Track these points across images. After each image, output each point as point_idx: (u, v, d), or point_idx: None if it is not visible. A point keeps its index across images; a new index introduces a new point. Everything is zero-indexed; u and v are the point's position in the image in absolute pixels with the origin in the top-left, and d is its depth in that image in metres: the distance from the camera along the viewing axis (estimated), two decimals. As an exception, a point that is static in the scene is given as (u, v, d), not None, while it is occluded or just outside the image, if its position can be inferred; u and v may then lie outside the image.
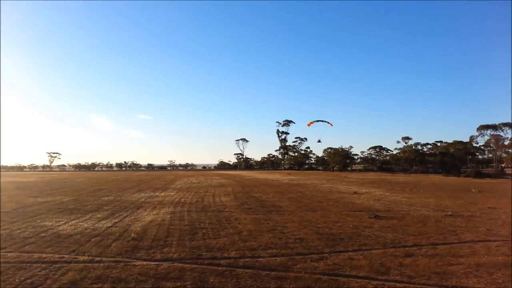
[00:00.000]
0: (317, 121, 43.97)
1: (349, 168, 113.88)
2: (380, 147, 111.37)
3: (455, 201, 21.91)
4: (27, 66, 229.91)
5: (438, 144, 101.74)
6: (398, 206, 19.43)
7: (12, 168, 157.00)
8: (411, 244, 10.59)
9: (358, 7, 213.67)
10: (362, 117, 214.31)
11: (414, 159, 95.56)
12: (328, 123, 45.63)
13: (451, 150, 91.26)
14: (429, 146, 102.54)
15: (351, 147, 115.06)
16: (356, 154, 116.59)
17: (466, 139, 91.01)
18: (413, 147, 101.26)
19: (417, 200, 22.80)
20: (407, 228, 13.12)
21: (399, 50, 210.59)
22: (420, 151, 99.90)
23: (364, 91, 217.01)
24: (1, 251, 9.86)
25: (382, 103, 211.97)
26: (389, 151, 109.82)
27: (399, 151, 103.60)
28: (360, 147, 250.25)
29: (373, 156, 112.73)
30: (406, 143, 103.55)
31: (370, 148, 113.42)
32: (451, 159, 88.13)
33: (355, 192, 28.17)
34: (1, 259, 8.99)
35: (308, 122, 44.82)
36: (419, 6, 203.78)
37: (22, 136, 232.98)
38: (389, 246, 10.27)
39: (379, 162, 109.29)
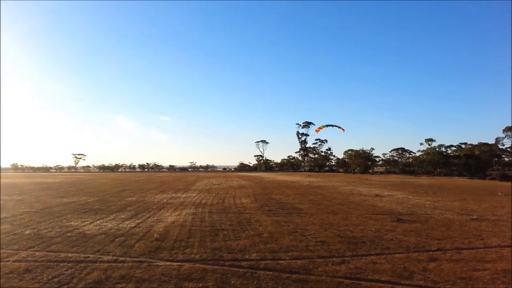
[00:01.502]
0: (327, 125, 42.18)
1: (370, 170, 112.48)
2: (403, 149, 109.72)
3: (481, 205, 21.34)
4: (53, 69, 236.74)
5: (463, 146, 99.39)
6: (422, 210, 19.06)
7: (38, 169, 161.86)
8: (435, 248, 10.38)
9: (383, 8, 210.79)
10: (384, 118, 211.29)
11: (438, 161, 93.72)
12: (340, 128, 43.89)
13: (476, 152, 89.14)
14: (453, 148, 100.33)
15: (372, 149, 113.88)
16: (378, 156, 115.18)
17: (491, 141, 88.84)
18: (437, 149, 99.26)
19: (441, 203, 22.31)
20: (430, 232, 12.87)
21: (422, 51, 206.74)
22: (444, 153, 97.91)
23: (386, 92, 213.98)
24: (30, 250, 10.19)
25: (405, 104, 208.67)
26: (411, 153, 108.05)
27: (422, 153, 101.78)
28: (382, 149, 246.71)
29: (395, 158, 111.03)
30: (429, 145, 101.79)
31: (392, 150, 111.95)
32: (476, 161, 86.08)
33: (376, 195, 27.77)
34: (30, 258, 9.30)
35: (317, 128, 43.30)
36: (447, 5, 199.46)
37: (49, 138, 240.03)
38: (413, 250, 10.10)
39: (402, 164, 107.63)
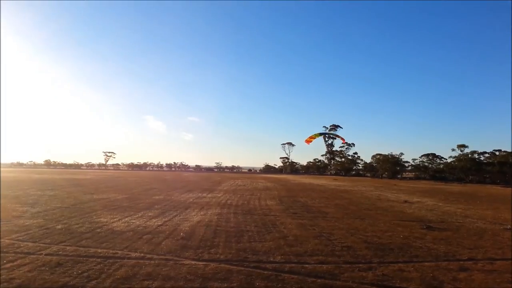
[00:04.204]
0: (321, 134, 36.90)
1: (399, 176, 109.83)
2: (433, 155, 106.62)
3: (516, 215, 20.48)
4: (86, 72, 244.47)
5: (497, 153, 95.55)
6: (452, 217, 18.49)
7: (70, 166, 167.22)
8: (466, 258, 10.04)
9: (410, 15, 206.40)
10: (415, 123, 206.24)
11: (470, 168, 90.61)
12: (339, 137, 38.92)
13: (511, 160, 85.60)
14: (486, 155, 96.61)
15: (401, 153, 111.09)
16: (407, 162, 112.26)
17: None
18: (469, 155, 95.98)
19: (473, 211, 21.56)
20: (461, 240, 12.45)
21: (453, 55, 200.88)
22: (477, 160, 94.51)
23: (418, 96, 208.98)
24: (61, 244, 10.53)
25: (437, 109, 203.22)
26: (443, 159, 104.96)
27: (454, 159, 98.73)
28: (411, 154, 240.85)
29: (426, 164, 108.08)
30: (461, 151, 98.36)
31: (422, 156, 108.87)
32: (511, 169, 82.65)
33: (405, 201, 27.10)
34: (61, 252, 9.60)
35: (307, 138, 37.29)
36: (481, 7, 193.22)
37: (82, 136, 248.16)
38: (442, 259, 9.80)
39: (432, 170, 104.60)
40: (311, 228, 14.15)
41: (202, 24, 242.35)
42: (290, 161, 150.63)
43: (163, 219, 15.56)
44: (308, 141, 36.17)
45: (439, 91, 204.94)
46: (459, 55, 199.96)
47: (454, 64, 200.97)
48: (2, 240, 10.84)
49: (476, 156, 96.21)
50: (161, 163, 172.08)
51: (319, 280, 7.66)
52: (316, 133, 34.36)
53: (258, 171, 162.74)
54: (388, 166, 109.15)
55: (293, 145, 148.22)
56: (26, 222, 13.96)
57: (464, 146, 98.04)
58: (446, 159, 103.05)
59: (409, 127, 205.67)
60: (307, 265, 8.82)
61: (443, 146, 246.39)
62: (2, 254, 9.17)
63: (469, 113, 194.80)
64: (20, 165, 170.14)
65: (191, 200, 24.46)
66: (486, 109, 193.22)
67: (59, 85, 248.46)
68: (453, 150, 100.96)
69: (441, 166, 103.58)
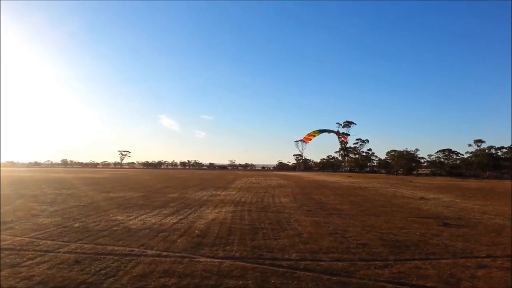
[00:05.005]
0: (321, 131, 33.56)
1: (414, 172, 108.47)
2: (450, 150, 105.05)
3: (535, 211, 20.05)
4: (102, 72, 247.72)
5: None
6: (470, 214, 18.19)
7: (86, 165, 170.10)
8: (484, 255, 9.86)
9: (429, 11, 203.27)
10: (430, 118, 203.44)
11: (487, 164, 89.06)
12: (340, 135, 34.54)
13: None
14: (504, 150, 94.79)
15: (417, 149, 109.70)
16: (423, 157, 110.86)
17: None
18: (487, 150, 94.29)
19: (491, 207, 21.17)
20: (479, 237, 12.24)
21: (469, 47, 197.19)
22: (494, 155, 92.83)
23: (433, 91, 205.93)
24: (79, 242, 10.71)
25: (452, 104, 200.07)
26: (459, 155, 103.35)
27: (470, 154, 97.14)
28: (427, 150, 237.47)
29: (442, 159, 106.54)
30: (478, 146, 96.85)
31: (438, 151, 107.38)
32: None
33: (421, 198, 26.76)
34: (79, 250, 9.78)
35: (306, 135, 33.51)
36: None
37: (97, 135, 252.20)
38: (460, 256, 9.65)
39: (448, 166, 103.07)
40: (325, 226, 14.09)
41: (216, 23, 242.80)
42: (303, 158, 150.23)
43: (178, 217, 15.70)
44: (307, 139, 33.32)
45: (455, 86, 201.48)
46: (475, 51, 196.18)
47: (471, 59, 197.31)
48: (21, 238, 11.10)
49: (493, 151, 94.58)
50: (175, 161, 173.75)
51: (334, 278, 7.63)
52: (315, 130, 31.66)
53: (271, 168, 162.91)
54: (403, 162, 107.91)
55: (306, 142, 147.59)
56: (45, 221, 14.25)
57: (481, 141, 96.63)
58: (463, 155, 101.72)
59: (424, 122, 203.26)
60: (322, 263, 8.78)
61: (459, 141, 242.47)
62: (22, 252, 9.39)
63: (486, 107, 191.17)
64: (37, 164, 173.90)
65: (206, 198, 24.62)
66: (503, 103, 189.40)
67: (74, 85, 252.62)
68: (469, 145, 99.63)
69: (458, 162, 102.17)
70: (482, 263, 9.00)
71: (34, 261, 8.57)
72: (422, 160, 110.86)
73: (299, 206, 20.30)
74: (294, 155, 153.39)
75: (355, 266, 8.53)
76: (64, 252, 9.41)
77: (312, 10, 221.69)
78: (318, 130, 33.07)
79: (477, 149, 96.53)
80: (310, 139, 34.94)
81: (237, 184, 41.48)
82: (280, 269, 8.16)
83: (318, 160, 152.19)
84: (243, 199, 23.92)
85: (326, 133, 34.97)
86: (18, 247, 9.91)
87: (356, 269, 8.28)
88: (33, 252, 9.37)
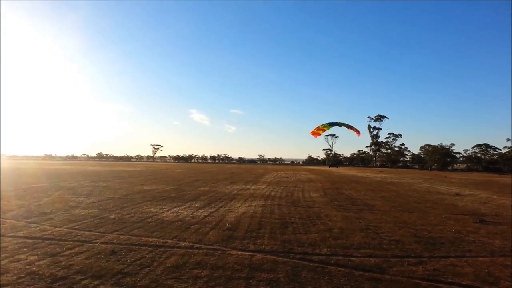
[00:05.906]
0: (332, 124, 29.23)
1: (449, 168, 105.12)
2: (487, 145, 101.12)
3: None
4: (136, 68, 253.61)
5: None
6: (508, 211, 17.47)
7: (121, 158, 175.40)
8: (525, 254, 9.50)
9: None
10: (467, 112, 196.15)
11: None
12: (353, 129, 30.37)
13: None
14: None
15: (452, 144, 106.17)
16: (458, 153, 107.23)
17: None
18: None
19: (532, 205, 20.28)
20: (519, 236, 11.79)
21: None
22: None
23: (470, 85, 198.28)
24: (115, 233, 11.08)
25: (490, 98, 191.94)
26: (497, 150, 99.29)
27: (509, 149, 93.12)
28: (463, 145, 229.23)
29: (478, 155, 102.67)
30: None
31: (474, 146, 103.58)
32: None
33: (457, 194, 25.93)
34: (115, 240, 10.12)
35: (314, 129, 29.50)
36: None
37: (131, 130, 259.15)
38: (498, 255, 9.32)
39: (485, 161, 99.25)
40: (357, 221, 13.93)
41: (245, 22, 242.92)
42: (333, 152, 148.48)
43: (209, 210, 15.94)
44: (315, 133, 29.88)
45: (493, 80, 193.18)
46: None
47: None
48: (61, 228, 11.59)
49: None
50: (205, 155, 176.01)
51: (366, 274, 7.54)
52: (325, 123, 28.37)
53: (300, 163, 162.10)
54: (438, 158, 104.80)
55: (336, 136, 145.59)
56: (82, 212, 14.81)
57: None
58: (501, 150, 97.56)
59: (460, 116, 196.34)
60: (354, 258, 8.70)
61: (497, 136, 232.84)
62: (61, 242, 9.81)
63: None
64: (74, 157, 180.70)
65: (236, 191, 24.83)
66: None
67: (110, 82, 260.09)
68: (508, 140, 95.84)
69: (495, 157, 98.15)
70: (522, 262, 8.66)
71: (73, 251, 8.92)
72: (457, 155, 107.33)
73: (329, 201, 20.14)
74: (323, 149, 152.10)
75: (388, 262, 8.39)
76: (101, 243, 9.74)
77: (341, 7, 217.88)
78: (328, 124, 31.13)
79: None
80: (319, 134, 32.26)
81: (266, 178, 41.55)
82: (311, 264, 8.14)
83: (348, 155, 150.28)
84: (272, 193, 23.97)
85: (337, 126, 32.68)
86: (58, 237, 10.35)
87: (389, 265, 8.15)
88: (71, 242, 9.76)
